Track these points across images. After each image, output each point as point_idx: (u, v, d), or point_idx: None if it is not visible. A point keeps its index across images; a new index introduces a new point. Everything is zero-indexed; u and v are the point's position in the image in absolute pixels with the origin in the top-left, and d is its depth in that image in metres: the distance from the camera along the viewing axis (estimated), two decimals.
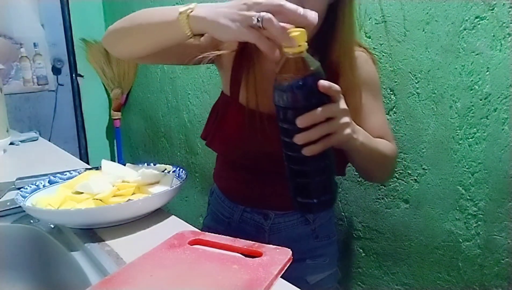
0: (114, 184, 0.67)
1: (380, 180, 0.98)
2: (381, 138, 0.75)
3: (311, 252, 0.87)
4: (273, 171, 0.73)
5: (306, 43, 0.52)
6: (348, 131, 0.57)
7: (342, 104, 0.56)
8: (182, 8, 0.58)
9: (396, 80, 0.93)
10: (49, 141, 1.61)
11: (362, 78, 0.75)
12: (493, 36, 0.77)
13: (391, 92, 0.95)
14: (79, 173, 0.78)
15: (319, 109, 0.53)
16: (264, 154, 0.74)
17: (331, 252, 0.91)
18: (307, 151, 0.54)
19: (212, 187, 0.97)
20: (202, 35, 0.61)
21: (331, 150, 0.57)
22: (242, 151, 0.80)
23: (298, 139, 0.54)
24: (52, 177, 0.76)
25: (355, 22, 0.72)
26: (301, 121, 0.53)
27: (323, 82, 0.53)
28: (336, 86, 0.54)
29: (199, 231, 0.57)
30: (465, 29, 0.80)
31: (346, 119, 0.57)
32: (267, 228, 0.84)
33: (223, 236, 0.53)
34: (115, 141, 2.30)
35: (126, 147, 2.26)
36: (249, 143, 0.77)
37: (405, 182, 0.96)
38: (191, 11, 0.58)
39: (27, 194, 0.67)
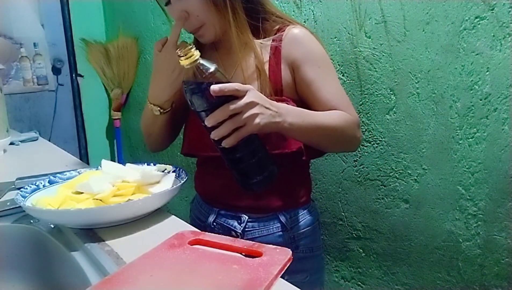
0: (114, 184, 0.67)
1: (341, 151, 0.99)
2: (335, 109, 0.75)
3: (290, 265, 0.80)
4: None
5: (196, 54, 0.60)
6: (257, 121, 0.60)
7: (248, 98, 0.60)
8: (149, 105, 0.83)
9: (396, 80, 0.93)
10: (49, 141, 1.61)
11: (304, 53, 0.76)
12: (493, 36, 0.77)
13: (391, 92, 0.95)
14: (79, 173, 0.78)
15: (220, 109, 0.59)
16: None
17: (313, 268, 0.86)
18: (224, 144, 0.61)
19: (195, 194, 0.98)
20: (163, 108, 0.82)
21: (253, 136, 0.63)
22: (204, 148, 0.82)
23: (213, 136, 0.61)
24: (52, 177, 0.76)
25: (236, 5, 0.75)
26: (208, 122, 0.60)
27: (213, 87, 0.57)
28: (230, 86, 0.58)
29: (199, 231, 0.57)
30: (465, 29, 0.80)
31: (253, 111, 0.60)
32: (239, 232, 0.82)
33: (223, 236, 0.53)
34: (115, 141, 2.30)
35: (126, 147, 2.26)
36: (208, 139, 0.79)
37: (405, 182, 0.96)
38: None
39: (27, 194, 0.67)
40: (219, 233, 0.82)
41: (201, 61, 0.61)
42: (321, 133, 0.71)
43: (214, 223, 0.86)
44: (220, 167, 0.83)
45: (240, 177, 0.67)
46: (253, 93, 0.61)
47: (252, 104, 0.60)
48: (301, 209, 0.85)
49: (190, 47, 0.60)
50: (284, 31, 0.78)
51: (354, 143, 0.81)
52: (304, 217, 0.84)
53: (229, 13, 0.73)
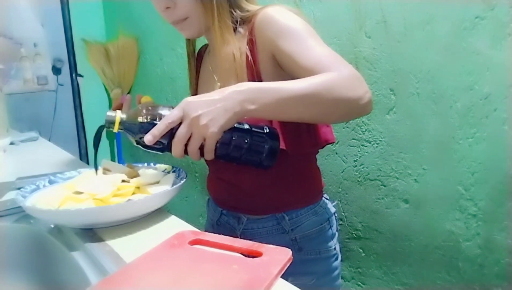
0: (114, 184, 0.67)
1: (343, 118, 0.76)
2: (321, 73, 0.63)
3: (293, 267, 0.76)
4: (242, 170, 0.70)
5: (117, 115, 0.61)
6: (211, 129, 0.57)
7: (187, 118, 0.57)
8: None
9: (396, 80, 0.93)
10: (49, 141, 1.61)
11: (275, 30, 0.69)
12: (493, 36, 0.77)
13: (391, 92, 0.95)
14: (79, 173, 0.78)
15: (172, 147, 0.59)
16: None
17: (321, 271, 0.82)
18: (206, 158, 0.61)
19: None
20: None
21: (224, 135, 0.60)
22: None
23: (193, 159, 0.60)
24: (52, 177, 0.76)
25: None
26: (175, 155, 0.59)
27: (147, 138, 0.58)
28: (161, 127, 0.57)
29: (199, 231, 0.57)
30: (465, 29, 0.80)
31: (200, 124, 0.57)
32: (239, 233, 0.82)
33: (223, 236, 0.53)
34: (115, 141, 2.30)
35: (126, 147, 2.26)
36: None
37: (405, 182, 0.96)
38: None
39: (27, 194, 0.67)
40: (222, 233, 0.83)
41: (125, 117, 0.61)
42: (299, 103, 0.60)
43: (218, 223, 0.86)
44: (219, 169, 0.83)
45: (249, 165, 0.67)
46: (188, 108, 0.57)
47: (194, 121, 0.56)
48: (304, 209, 0.79)
49: (109, 114, 0.61)
50: (255, 19, 0.72)
51: (353, 104, 0.63)
52: (308, 218, 0.79)
53: (214, 8, 0.71)
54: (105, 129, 0.65)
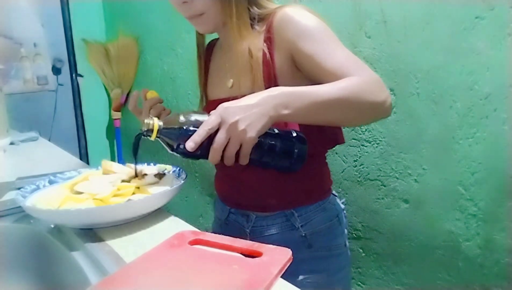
0: (114, 184, 0.67)
1: (366, 120, 0.82)
2: (346, 76, 0.65)
3: (304, 264, 0.76)
4: (251, 168, 0.70)
5: (155, 122, 0.59)
6: (249, 134, 0.57)
7: (225, 124, 0.57)
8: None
9: (396, 80, 0.93)
10: (49, 141, 1.61)
11: (296, 30, 0.70)
12: (493, 36, 0.77)
13: (391, 92, 0.95)
14: (79, 173, 0.78)
15: (210, 153, 0.59)
16: None
17: (333, 268, 0.81)
18: (242, 163, 0.61)
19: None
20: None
21: (259, 139, 0.61)
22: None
23: (227, 164, 0.61)
24: (52, 177, 0.76)
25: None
26: (212, 162, 0.60)
27: (189, 145, 0.57)
28: (201, 133, 0.57)
29: (199, 231, 0.58)
30: (465, 29, 0.80)
31: (239, 129, 0.57)
32: (248, 231, 0.81)
33: (223, 236, 0.53)
34: (115, 141, 2.30)
35: (126, 147, 2.26)
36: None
37: (405, 182, 0.96)
38: None
39: (27, 194, 0.67)
40: (231, 231, 0.83)
41: (163, 125, 0.60)
42: (329, 107, 0.62)
43: (227, 222, 0.86)
44: (227, 168, 0.83)
45: (277, 170, 0.68)
46: (226, 113, 0.58)
47: (233, 126, 0.57)
48: (313, 205, 0.79)
49: (147, 122, 0.60)
50: (273, 17, 0.72)
51: (378, 108, 0.65)
52: (317, 215, 0.79)
53: (232, 7, 0.71)
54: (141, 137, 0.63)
